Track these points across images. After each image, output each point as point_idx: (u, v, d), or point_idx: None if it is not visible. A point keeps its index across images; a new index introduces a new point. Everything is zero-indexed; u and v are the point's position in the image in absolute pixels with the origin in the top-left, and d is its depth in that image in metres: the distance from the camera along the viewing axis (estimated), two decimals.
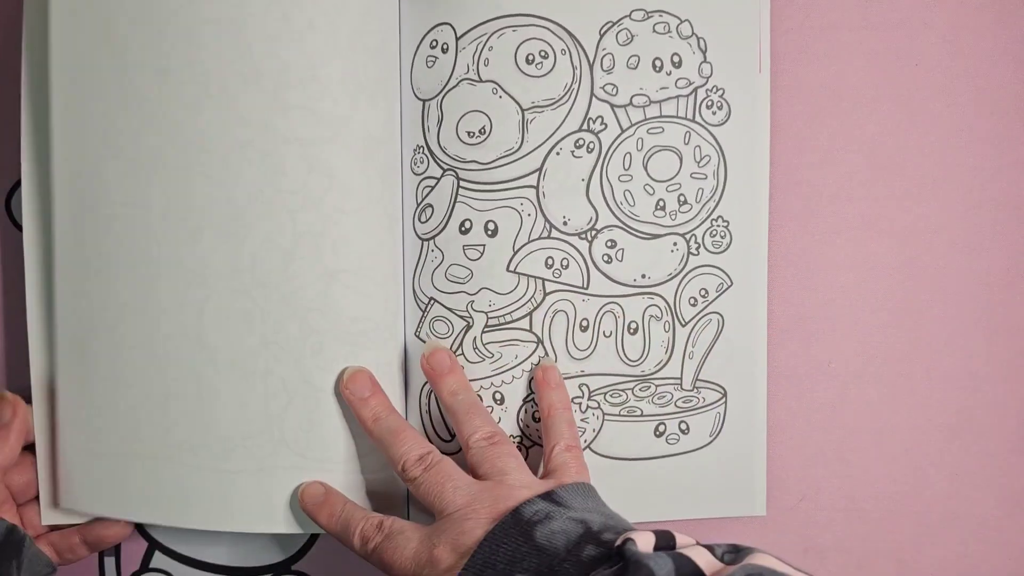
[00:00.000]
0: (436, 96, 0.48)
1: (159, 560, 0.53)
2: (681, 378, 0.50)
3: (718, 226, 0.49)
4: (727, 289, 0.50)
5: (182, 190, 0.47)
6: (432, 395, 0.50)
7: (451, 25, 0.48)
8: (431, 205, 0.49)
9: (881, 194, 0.52)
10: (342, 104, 0.47)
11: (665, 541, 0.38)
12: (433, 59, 0.48)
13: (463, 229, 0.49)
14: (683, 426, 0.50)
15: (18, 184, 0.52)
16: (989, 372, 0.52)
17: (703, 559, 0.36)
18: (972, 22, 0.51)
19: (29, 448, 0.50)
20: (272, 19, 0.46)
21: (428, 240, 0.49)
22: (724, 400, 0.50)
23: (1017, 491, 0.52)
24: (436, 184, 0.49)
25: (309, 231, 0.47)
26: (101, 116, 0.47)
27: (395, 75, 0.49)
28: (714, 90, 0.48)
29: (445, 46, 0.48)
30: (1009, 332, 0.52)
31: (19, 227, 0.52)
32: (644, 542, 0.37)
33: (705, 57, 0.48)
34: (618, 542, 0.37)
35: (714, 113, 0.48)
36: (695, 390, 0.50)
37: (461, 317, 0.49)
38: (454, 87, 0.48)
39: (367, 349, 0.49)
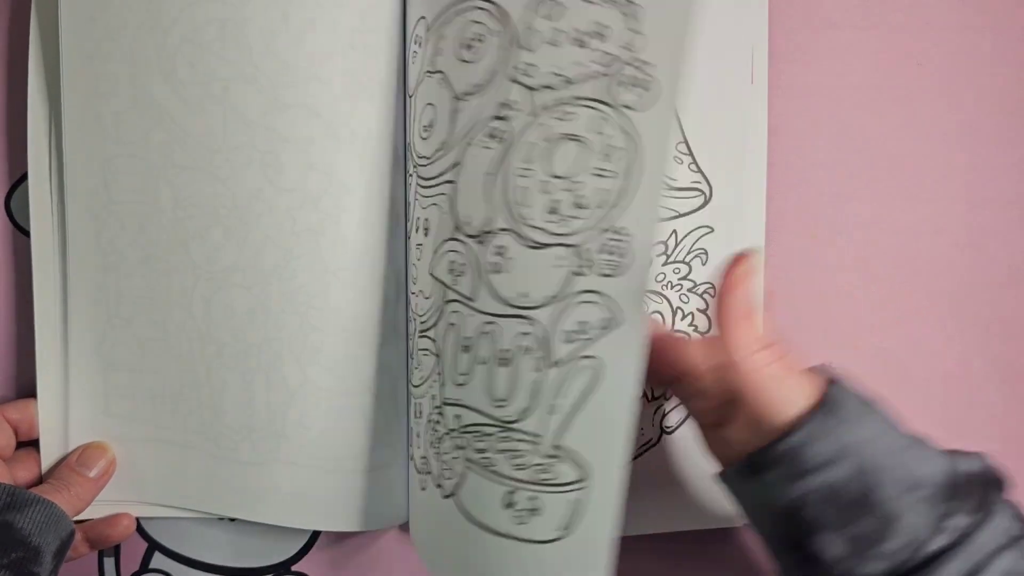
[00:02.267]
0: (413, 92, 0.46)
1: (159, 560, 0.53)
2: (541, 437, 0.39)
3: (615, 241, 0.37)
4: (614, 328, 0.37)
5: (189, 188, 0.48)
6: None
7: (425, 18, 0.45)
8: (408, 203, 0.48)
9: (882, 194, 0.51)
10: (341, 103, 0.47)
11: None
12: (415, 54, 0.46)
13: (416, 228, 0.46)
14: (534, 503, 0.39)
15: (16, 185, 0.52)
16: (989, 372, 0.52)
17: None
18: (973, 22, 0.51)
19: (32, 444, 0.50)
20: (272, 19, 0.46)
21: (408, 239, 0.48)
22: (584, 484, 0.38)
23: (1016, 491, 0.52)
24: (410, 182, 0.47)
25: (308, 229, 0.47)
26: (112, 117, 0.48)
27: (396, 74, 0.49)
28: (641, 66, 0.36)
29: (420, 40, 0.45)
30: (1009, 332, 0.52)
31: (19, 227, 0.52)
32: None
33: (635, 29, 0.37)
34: None
35: (639, 97, 0.37)
36: (555, 458, 0.38)
37: (413, 319, 0.47)
38: (422, 81, 0.45)
39: (367, 348, 0.49)
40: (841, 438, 0.35)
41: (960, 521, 0.35)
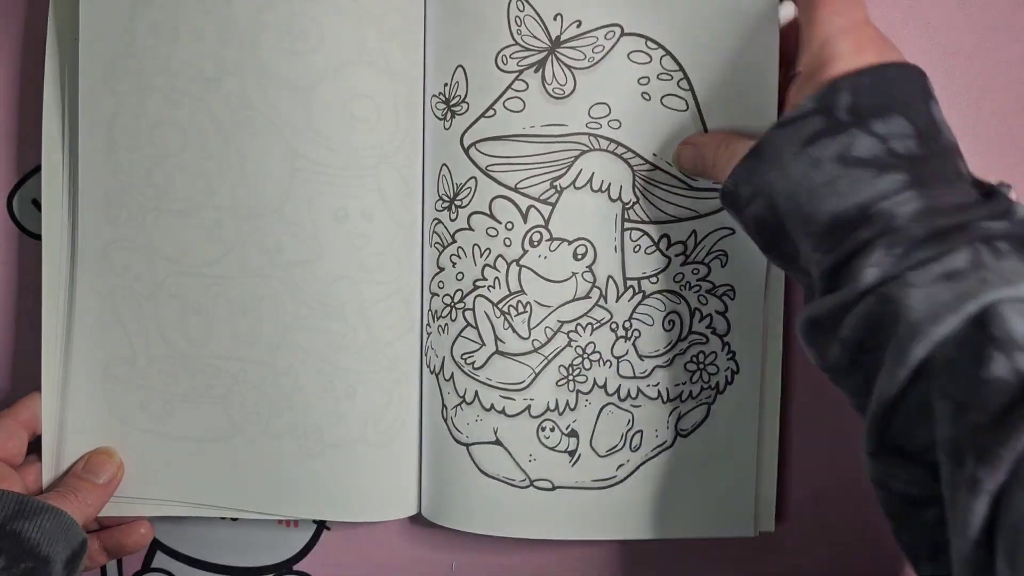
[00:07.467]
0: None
1: (161, 560, 0.53)
2: None
3: None
4: None
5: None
6: None
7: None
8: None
9: None
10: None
11: None
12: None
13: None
14: None
15: (19, 185, 0.52)
16: None
17: None
18: (974, 22, 0.51)
19: (34, 442, 0.49)
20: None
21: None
22: None
23: None
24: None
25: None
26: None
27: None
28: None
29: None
30: None
31: (21, 227, 0.52)
32: None
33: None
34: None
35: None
36: None
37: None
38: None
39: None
40: (756, 179, 0.40)
41: (818, 258, 0.39)
